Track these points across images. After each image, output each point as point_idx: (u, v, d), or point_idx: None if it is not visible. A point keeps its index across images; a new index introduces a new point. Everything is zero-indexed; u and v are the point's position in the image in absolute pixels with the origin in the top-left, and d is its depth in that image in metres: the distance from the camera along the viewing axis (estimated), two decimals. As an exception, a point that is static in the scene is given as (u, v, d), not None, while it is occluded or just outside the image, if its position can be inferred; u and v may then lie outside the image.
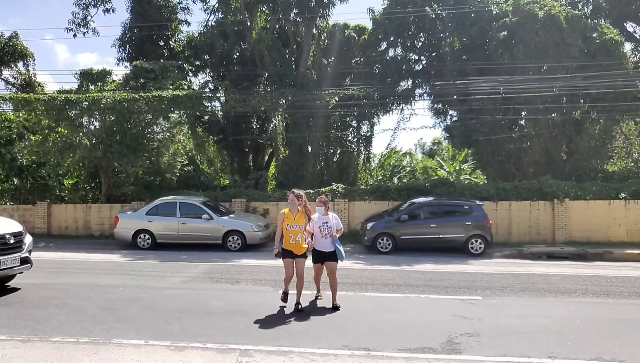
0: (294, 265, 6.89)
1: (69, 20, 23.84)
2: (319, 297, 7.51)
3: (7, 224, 8.12)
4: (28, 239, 8.37)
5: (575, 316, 6.93)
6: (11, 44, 23.14)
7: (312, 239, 6.90)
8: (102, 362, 4.92)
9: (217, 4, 24.14)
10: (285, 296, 7.08)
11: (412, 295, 8.19)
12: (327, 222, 6.98)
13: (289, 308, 6.97)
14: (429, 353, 5.29)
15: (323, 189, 16.68)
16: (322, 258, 7.05)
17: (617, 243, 14.49)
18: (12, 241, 7.74)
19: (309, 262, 7.10)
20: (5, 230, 7.78)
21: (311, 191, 15.96)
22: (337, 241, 7.00)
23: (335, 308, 6.96)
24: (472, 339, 5.78)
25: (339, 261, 7.03)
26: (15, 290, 8.14)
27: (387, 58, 20.68)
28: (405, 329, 6.16)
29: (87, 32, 24.04)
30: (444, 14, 19.59)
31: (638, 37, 21.48)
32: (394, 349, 5.39)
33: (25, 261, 8.03)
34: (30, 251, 8.29)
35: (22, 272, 8.22)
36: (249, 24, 22.32)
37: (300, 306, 6.88)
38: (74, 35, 23.92)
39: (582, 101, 18.02)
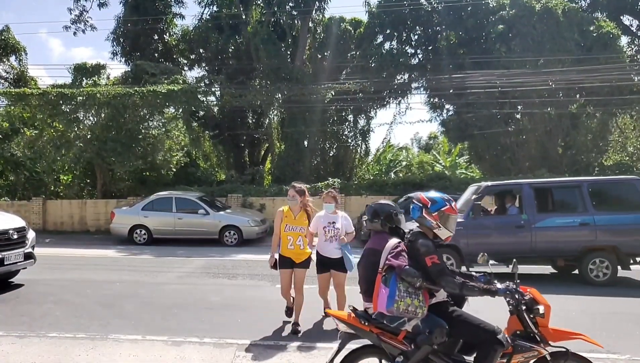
0: (292, 277, 5.68)
1: (70, 19, 23.77)
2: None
3: (10, 220, 8.07)
4: (31, 234, 8.34)
5: (569, 309, 6.98)
6: (2, 38, 22.91)
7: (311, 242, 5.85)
8: (99, 357, 4.90)
9: (212, -3, 23.97)
10: (290, 311, 5.95)
11: (409, 289, 8.18)
12: (334, 222, 5.70)
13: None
14: (426, 347, 5.28)
15: (320, 184, 16.67)
16: (327, 266, 5.75)
17: (612, 236, 14.55)
18: (15, 236, 7.70)
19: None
20: (8, 225, 7.73)
21: (307, 185, 15.92)
22: (346, 247, 5.68)
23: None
24: (468, 332, 5.79)
25: (348, 272, 5.65)
26: (19, 286, 8.10)
27: (383, 51, 20.60)
28: (402, 323, 6.14)
29: (86, 29, 23.98)
30: (440, 7, 19.52)
31: (634, 30, 21.51)
32: (391, 343, 5.38)
33: (29, 256, 8.00)
34: (33, 247, 8.26)
35: (25, 268, 8.18)
36: (244, 17, 22.16)
37: (298, 328, 5.62)
38: (74, 33, 23.87)
39: (578, 95, 18.05)
